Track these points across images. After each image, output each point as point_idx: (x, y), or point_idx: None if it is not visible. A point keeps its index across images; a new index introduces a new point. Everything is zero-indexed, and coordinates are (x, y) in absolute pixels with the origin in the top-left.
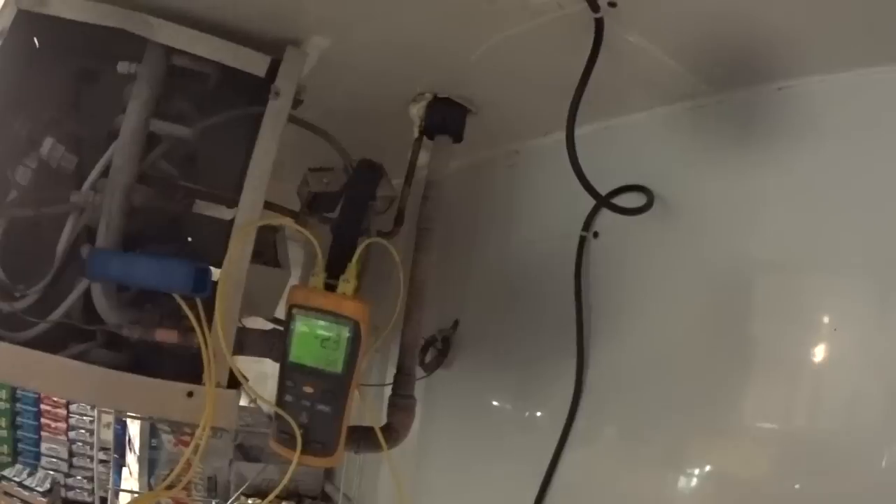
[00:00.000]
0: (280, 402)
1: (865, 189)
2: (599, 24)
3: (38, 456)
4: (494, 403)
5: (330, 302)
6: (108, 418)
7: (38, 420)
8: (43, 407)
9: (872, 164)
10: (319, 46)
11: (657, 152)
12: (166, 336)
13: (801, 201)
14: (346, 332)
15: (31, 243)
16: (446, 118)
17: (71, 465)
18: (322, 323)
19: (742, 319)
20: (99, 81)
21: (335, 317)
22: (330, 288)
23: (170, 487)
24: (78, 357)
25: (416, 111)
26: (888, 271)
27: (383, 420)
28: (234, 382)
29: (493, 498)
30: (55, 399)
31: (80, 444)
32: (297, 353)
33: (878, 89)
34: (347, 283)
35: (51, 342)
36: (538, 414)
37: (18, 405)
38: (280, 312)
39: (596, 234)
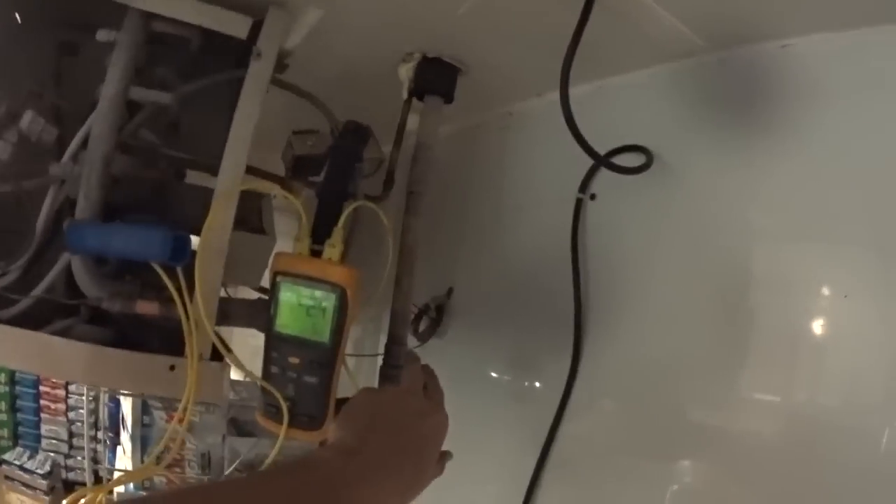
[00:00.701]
0: (266, 374)
1: (872, 153)
2: None
3: (38, 438)
4: (491, 374)
5: (315, 268)
6: (104, 397)
7: (38, 402)
8: (42, 389)
9: (879, 127)
10: (304, 8)
11: (655, 112)
12: (147, 308)
13: (804, 165)
14: (332, 300)
15: (12, 219)
16: (436, 78)
17: (71, 446)
18: (307, 290)
19: (743, 288)
20: (80, 53)
21: (321, 283)
22: (315, 254)
23: (159, 462)
24: (61, 333)
25: (406, 72)
26: (892, 241)
27: None
28: (218, 355)
29: (491, 470)
30: (54, 380)
31: (79, 424)
32: (281, 323)
33: (884, 48)
34: (333, 248)
35: (34, 319)
36: (536, 384)
37: (18, 388)
38: (266, 281)
39: (593, 197)
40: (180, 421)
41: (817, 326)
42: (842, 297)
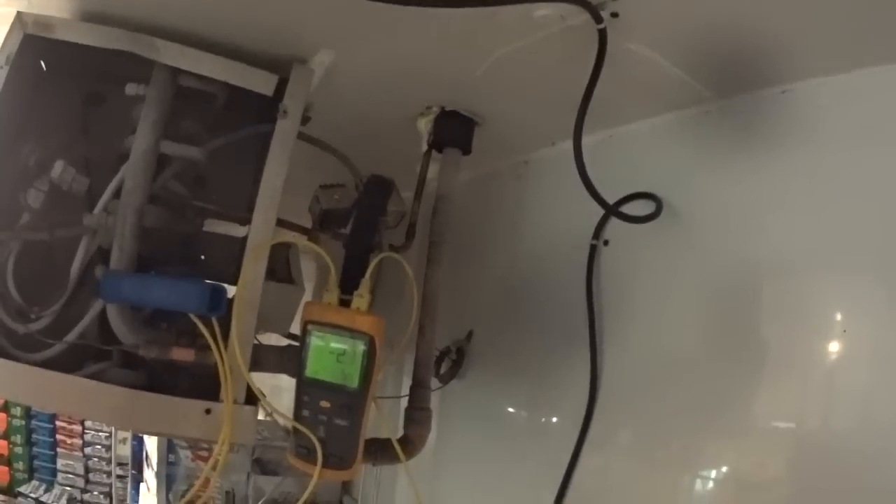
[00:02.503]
0: (297, 416)
1: (870, 188)
2: (603, 35)
3: (54, 472)
4: (510, 410)
5: (344, 317)
6: (124, 434)
7: (54, 436)
8: (58, 423)
9: (877, 163)
10: (324, 63)
11: (663, 159)
12: (182, 355)
13: (807, 202)
14: (361, 347)
15: (45, 265)
16: (454, 131)
17: (87, 481)
18: (337, 338)
19: (753, 322)
20: (107, 103)
21: (350, 332)
22: (344, 303)
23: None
24: (94, 377)
25: (424, 125)
26: (894, 269)
27: (399, 431)
28: (251, 398)
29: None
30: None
31: (95, 459)
32: (313, 369)
33: (881, 89)
34: (361, 299)
35: (67, 362)
36: (553, 420)
37: (34, 422)
38: (295, 328)
39: (606, 243)
40: (214, 465)
41: (828, 354)
42: (850, 325)
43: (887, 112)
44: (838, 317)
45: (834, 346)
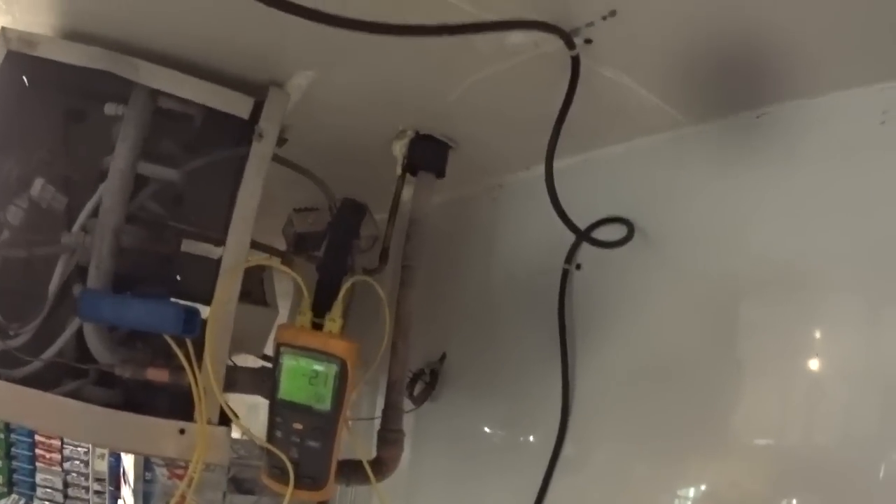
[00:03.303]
0: (270, 438)
1: (846, 209)
2: (576, 62)
3: (33, 486)
4: (484, 431)
5: (317, 340)
6: (102, 450)
7: (33, 451)
8: (37, 438)
9: (854, 185)
10: (301, 87)
11: (637, 183)
12: (157, 375)
13: (784, 223)
14: (333, 370)
15: (23, 283)
16: (428, 155)
17: (66, 496)
18: (310, 361)
19: (731, 340)
20: (87, 121)
21: (322, 355)
22: (317, 327)
23: None
24: (71, 394)
25: (399, 148)
26: (875, 285)
27: (373, 453)
28: (226, 419)
29: None
30: None
31: (74, 474)
32: (285, 391)
33: (855, 111)
34: (333, 322)
35: (44, 380)
36: (527, 440)
37: (13, 436)
38: (269, 350)
39: (579, 267)
40: (189, 482)
41: (807, 370)
42: (828, 341)
43: (864, 135)
44: (816, 334)
45: (813, 363)
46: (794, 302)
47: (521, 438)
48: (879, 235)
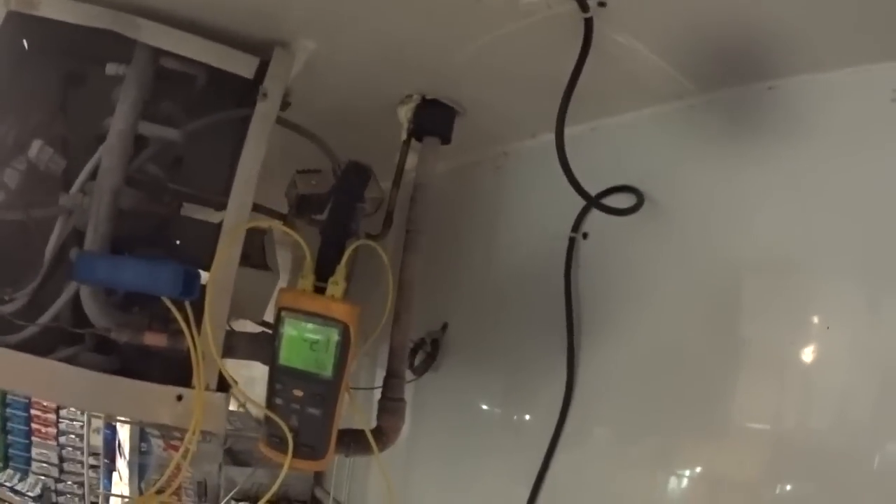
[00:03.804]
0: (270, 405)
1: (854, 187)
2: (589, 25)
3: (28, 461)
4: (483, 407)
5: (319, 305)
6: (98, 423)
7: (29, 425)
8: (33, 412)
9: (860, 163)
10: (307, 48)
11: (646, 153)
12: (155, 339)
13: (790, 200)
14: (335, 336)
15: (19, 246)
16: (435, 120)
17: (62, 471)
18: (311, 326)
19: (733, 319)
20: (86, 84)
21: (324, 319)
22: (319, 290)
23: (160, 492)
24: (66, 360)
25: (405, 113)
26: (877, 270)
27: (373, 423)
28: (223, 386)
29: (483, 501)
30: (45, 404)
31: (70, 449)
32: (286, 357)
33: (865, 87)
34: (336, 286)
35: (39, 345)
36: (527, 417)
37: (8, 410)
38: (269, 316)
39: (585, 235)
40: (185, 451)
41: (805, 354)
42: (828, 325)
43: (873, 112)
44: (817, 318)
45: (812, 347)
46: (793, 285)
47: (523, 413)
48: (883, 218)
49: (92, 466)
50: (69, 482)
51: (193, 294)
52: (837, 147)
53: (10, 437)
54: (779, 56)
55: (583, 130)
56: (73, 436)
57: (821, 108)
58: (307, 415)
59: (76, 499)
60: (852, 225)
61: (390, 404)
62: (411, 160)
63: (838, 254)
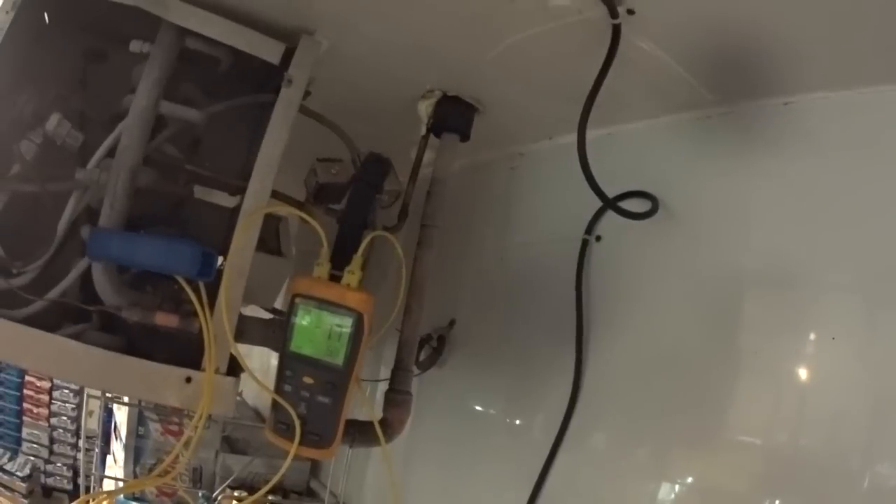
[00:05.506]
0: (279, 391)
1: (860, 206)
2: (616, 31)
3: (18, 441)
4: (485, 407)
5: (334, 293)
6: (93, 406)
7: (21, 405)
8: (25, 392)
9: (868, 181)
10: (332, 37)
11: (660, 160)
12: (166, 320)
13: (797, 215)
14: (348, 324)
15: (31, 220)
16: (455, 116)
17: (51, 452)
18: (325, 313)
19: (734, 330)
20: (107, 61)
21: (339, 308)
22: (334, 279)
23: (160, 476)
24: (73, 338)
25: (425, 108)
26: (877, 288)
27: (378, 415)
28: (233, 370)
29: (482, 501)
30: (38, 384)
31: (60, 430)
32: (297, 343)
33: (878, 108)
34: (352, 275)
35: (45, 322)
36: (529, 420)
37: (0, 389)
38: (280, 303)
39: (599, 238)
40: (192, 433)
41: (803, 369)
42: (827, 341)
43: (882, 132)
44: (816, 334)
45: (809, 364)
46: (798, 299)
47: (526, 415)
48: (886, 237)
49: (86, 450)
50: (58, 464)
51: (210, 275)
52: (845, 165)
53: (1, 416)
54: (796, 73)
55: (600, 135)
56: (64, 417)
57: (833, 125)
58: (316, 402)
59: (65, 481)
60: (856, 242)
61: (397, 396)
62: (428, 156)
63: (841, 270)
